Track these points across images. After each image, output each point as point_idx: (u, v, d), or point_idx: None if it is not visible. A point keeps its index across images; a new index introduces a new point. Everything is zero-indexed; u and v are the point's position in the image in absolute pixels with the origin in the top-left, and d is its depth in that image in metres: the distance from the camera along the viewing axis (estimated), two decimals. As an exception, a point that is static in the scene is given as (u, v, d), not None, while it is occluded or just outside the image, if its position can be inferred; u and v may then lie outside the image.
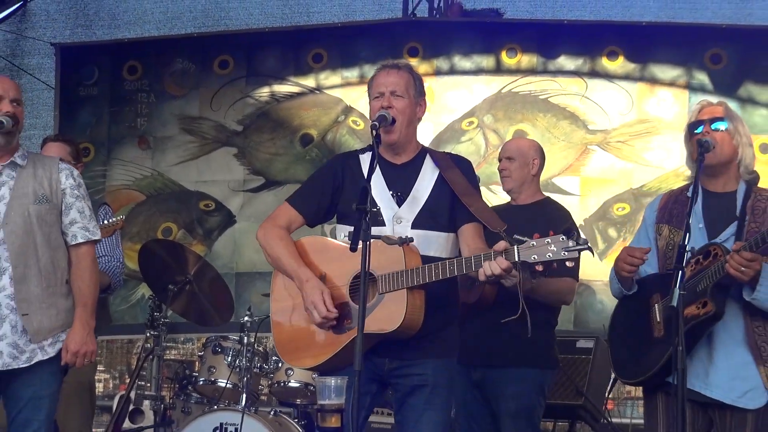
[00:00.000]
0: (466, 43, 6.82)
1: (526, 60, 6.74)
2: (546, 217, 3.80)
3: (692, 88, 6.57)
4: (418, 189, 3.12)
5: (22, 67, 7.31)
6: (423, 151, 3.20)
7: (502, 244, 2.75)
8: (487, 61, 6.79)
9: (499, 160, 3.99)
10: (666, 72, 6.58)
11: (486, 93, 6.75)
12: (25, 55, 7.37)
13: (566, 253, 2.70)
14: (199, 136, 7.06)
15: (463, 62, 6.80)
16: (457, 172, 3.16)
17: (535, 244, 2.74)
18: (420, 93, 3.16)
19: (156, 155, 7.13)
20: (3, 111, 3.19)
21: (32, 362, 3.24)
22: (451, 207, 3.10)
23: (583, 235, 3.10)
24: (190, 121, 7.09)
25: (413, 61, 6.60)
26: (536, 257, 2.70)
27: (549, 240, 2.69)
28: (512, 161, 3.84)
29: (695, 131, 3.06)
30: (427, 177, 3.16)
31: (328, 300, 2.90)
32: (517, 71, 6.76)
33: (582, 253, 2.92)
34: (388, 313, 2.81)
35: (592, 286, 6.05)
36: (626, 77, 6.60)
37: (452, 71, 6.79)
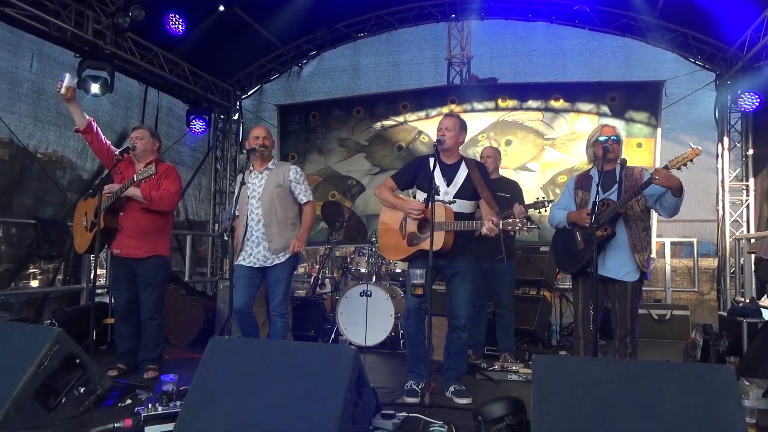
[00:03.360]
0: (479, 95, 8.11)
1: (511, 103, 7.98)
2: (508, 187, 4.86)
3: (600, 114, 7.70)
4: (457, 178, 3.79)
5: (261, 117, 9.05)
6: (461, 159, 3.88)
7: (494, 219, 3.49)
8: (490, 104, 8.08)
9: (481, 157, 4.95)
10: (585, 106, 7.75)
11: (490, 121, 8.03)
12: (262, 111, 9.11)
13: (525, 228, 3.40)
14: (347, 148, 8.63)
15: (477, 105, 8.11)
16: (477, 172, 3.80)
17: (510, 221, 3.43)
18: (462, 129, 3.84)
19: (326, 158, 8.71)
20: (259, 143, 4.17)
21: (272, 264, 4.10)
22: (473, 190, 3.76)
23: (535, 212, 4.43)
24: (342, 140, 8.65)
25: (453, 106, 8.21)
26: (510, 228, 3.41)
27: (518, 221, 3.41)
28: (489, 158, 4.92)
29: (599, 139, 3.61)
30: (462, 172, 3.81)
31: (417, 204, 3.75)
32: (506, 109, 7.99)
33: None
34: (435, 241, 3.48)
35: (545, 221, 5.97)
36: (564, 110, 7.81)
37: (473, 110, 8.11)
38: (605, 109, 7.73)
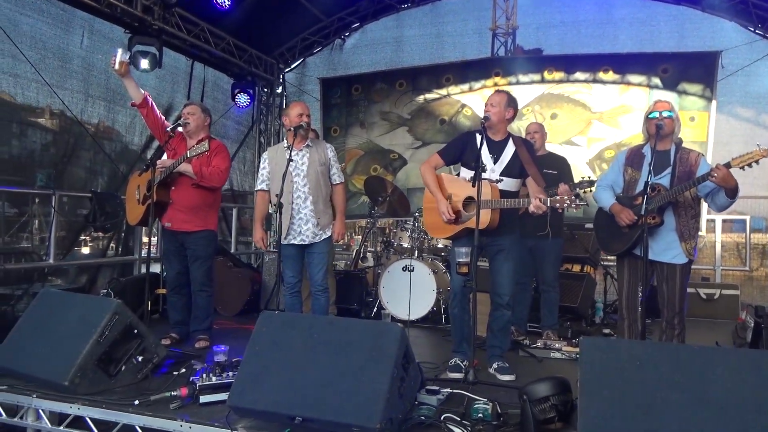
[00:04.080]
0: (524, 67, 7.94)
1: (557, 75, 7.80)
2: (556, 164, 4.81)
3: (651, 86, 7.41)
4: (504, 155, 3.79)
5: (304, 90, 9.12)
6: (509, 135, 3.87)
7: (541, 196, 3.51)
8: (536, 76, 7.89)
9: (527, 133, 4.94)
10: (635, 78, 7.47)
11: (535, 93, 7.85)
12: (305, 84, 9.13)
13: (573, 205, 3.40)
14: (389, 121, 8.62)
15: (523, 77, 7.95)
16: (524, 149, 3.80)
17: (558, 198, 3.44)
18: (509, 105, 3.79)
19: (368, 132, 8.74)
20: (305, 120, 4.21)
21: (321, 239, 4.26)
22: (520, 167, 3.76)
23: (582, 193, 4.32)
24: (384, 114, 8.65)
25: (497, 78, 8.07)
26: (558, 205, 3.44)
27: (566, 197, 3.41)
28: (537, 134, 4.91)
29: (650, 115, 3.52)
30: (509, 149, 3.81)
31: (450, 209, 3.76)
32: (552, 81, 7.80)
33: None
34: (481, 219, 3.50)
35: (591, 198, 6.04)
36: (613, 82, 7.56)
37: (518, 82, 7.96)
38: (657, 81, 7.45)
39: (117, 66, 4.24)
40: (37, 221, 6.45)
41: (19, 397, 3.14)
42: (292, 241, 4.24)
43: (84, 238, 6.71)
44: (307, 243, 4.23)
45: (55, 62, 5.96)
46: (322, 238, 4.23)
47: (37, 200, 6.14)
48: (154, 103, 4.50)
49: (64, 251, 5.89)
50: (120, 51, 4.27)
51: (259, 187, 4.36)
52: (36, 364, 3.26)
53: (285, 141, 4.33)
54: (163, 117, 4.58)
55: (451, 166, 4.19)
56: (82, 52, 6.28)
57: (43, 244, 6.30)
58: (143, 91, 4.45)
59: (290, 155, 4.19)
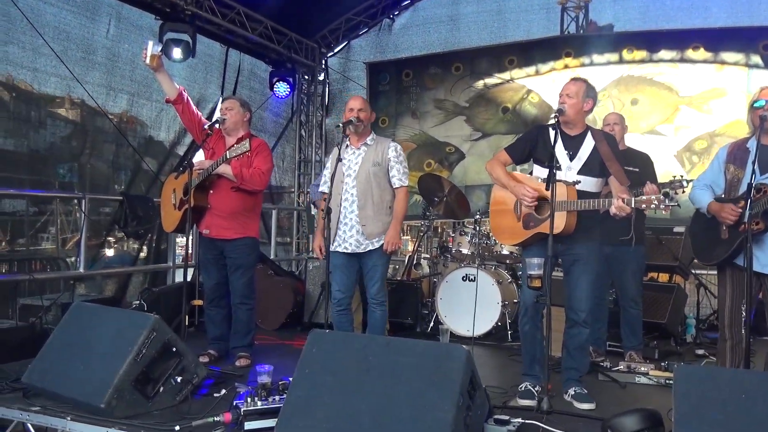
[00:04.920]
0: (599, 46, 7.85)
1: (638, 54, 7.65)
2: (637, 160, 4.71)
3: (750, 65, 7.17)
4: (582, 152, 3.77)
5: (349, 76, 9.27)
6: (587, 129, 3.83)
7: (625, 196, 3.48)
8: (613, 56, 7.76)
9: (606, 124, 4.86)
10: (731, 57, 7.26)
11: (613, 76, 7.74)
12: (349, 70, 9.29)
13: (662, 206, 3.32)
14: (444, 110, 8.69)
15: (598, 57, 7.86)
16: (605, 144, 3.75)
17: (645, 198, 3.40)
18: (587, 95, 3.75)
19: (421, 122, 8.81)
20: (354, 116, 4.24)
21: (367, 250, 4.27)
22: (600, 165, 3.71)
23: (673, 194, 4.23)
24: (439, 102, 8.71)
25: (568, 60, 8.02)
26: (644, 206, 3.43)
27: (653, 197, 3.36)
28: (617, 125, 4.82)
29: (754, 104, 3.49)
30: (587, 145, 3.78)
31: (530, 189, 3.74)
32: (632, 62, 7.66)
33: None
34: (555, 223, 3.47)
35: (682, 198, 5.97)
36: (704, 61, 7.38)
37: (592, 63, 7.87)
38: (757, 59, 7.23)
39: (148, 60, 4.36)
40: (59, 220, 6.72)
41: (52, 419, 3.26)
42: (337, 249, 4.30)
43: (108, 239, 6.92)
44: (350, 252, 4.29)
45: (77, 54, 6.20)
46: (370, 248, 4.27)
47: (58, 198, 6.36)
48: (189, 99, 4.62)
49: (90, 255, 6.12)
50: (151, 43, 4.38)
51: (320, 189, 4.47)
52: (70, 383, 3.39)
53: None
54: (200, 113, 4.70)
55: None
56: (108, 42, 6.52)
57: (66, 247, 6.56)
58: (178, 86, 4.58)
59: (339, 154, 4.26)
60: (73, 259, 6.13)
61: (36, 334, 4.67)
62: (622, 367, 4.48)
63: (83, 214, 5.32)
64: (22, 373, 3.64)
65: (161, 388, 3.47)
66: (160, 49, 4.45)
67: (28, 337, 4.62)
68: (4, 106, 5.84)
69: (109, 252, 7.14)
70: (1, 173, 5.89)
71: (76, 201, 5.54)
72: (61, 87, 6.04)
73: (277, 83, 8.62)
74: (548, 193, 3.48)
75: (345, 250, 4.31)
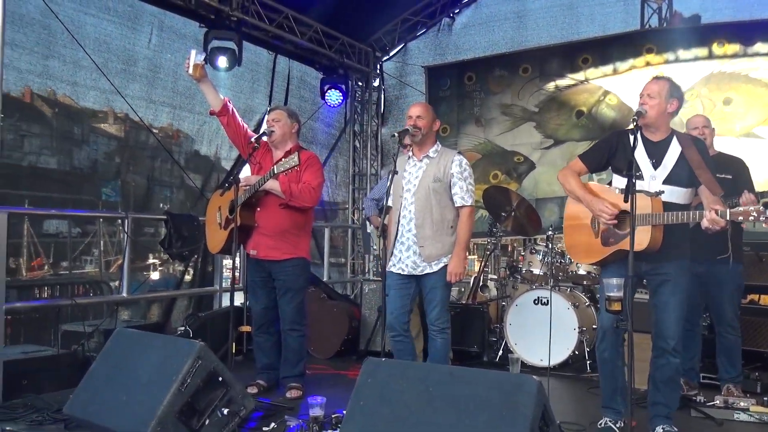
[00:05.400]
0: (685, 40, 7.63)
1: (731, 48, 7.43)
2: (729, 167, 4.63)
3: None
4: (667, 159, 3.72)
5: (406, 82, 9.36)
6: (672, 133, 3.78)
7: (718, 207, 3.40)
8: (701, 51, 7.56)
9: (693, 128, 4.75)
10: None
11: (702, 73, 7.55)
12: (407, 75, 9.38)
13: (762, 218, 3.26)
14: (512, 116, 8.68)
15: (684, 53, 7.65)
16: (694, 150, 3.71)
17: (741, 210, 3.32)
18: (671, 95, 3.71)
19: (486, 129, 8.82)
20: (412, 124, 4.32)
21: (423, 273, 4.30)
22: (689, 173, 3.65)
23: None
24: (505, 107, 8.71)
25: (649, 56, 7.83)
26: (741, 219, 3.34)
27: (752, 208, 3.28)
28: (706, 128, 4.74)
29: None
30: (673, 151, 3.73)
31: (609, 206, 3.67)
32: (724, 57, 7.47)
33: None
34: (638, 239, 3.42)
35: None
36: None
37: (677, 60, 7.66)
38: None
39: (191, 70, 4.50)
40: (102, 242, 6.99)
41: (95, 453, 3.39)
42: (392, 269, 4.34)
43: (153, 261, 7.12)
44: (405, 274, 4.32)
45: (118, 65, 6.47)
46: (427, 271, 4.29)
47: (100, 218, 6.60)
48: (235, 110, 4.74)
49: (133, 278, 6.31)
50: (194, 52, 4.53)
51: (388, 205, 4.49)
52: (112, 414, 3.52)
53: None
54: (246, 126, 4.82)
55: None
56: (150, 52, 6.79)
57: (110, 270, 6.79)
58: (223, 97, 4.70)
59: (395, 166, 4.32)
60: (116, 282, 6.30)
61: (78, 362, 4.89)
62: (718, 402, 4.38)
63: (126, 235, 5.48)
64: (63, 403, 3.78)
65: (207, 421, 3.54)
66: (203, 57, 4.58)
67: (70, 365, 4.80)
68: (47, 123, 6.13)
69: (154, 275, 7.32)
70: (44, 192, 6.14)
71: (119, 221, 5.71)
72: (100, 100, 6.33)
73: (328, 91, 8.76)
74: (628, 206, 3.42)
75: (401, 272, 4.34)
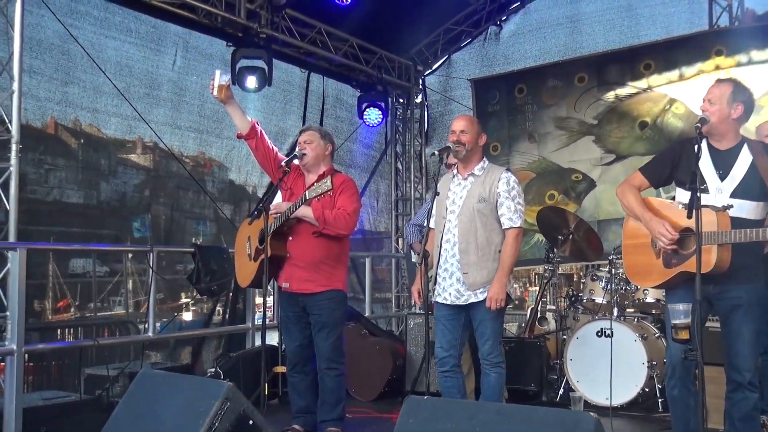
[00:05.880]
0: (759, 41, 7.54)
1: None
2: None
3: None
4: (736, 169, 3.67)
5: (451, 97, 9.47)
6: (742, 141, 3.73)
7: None
8: None
9: (761, 134, 4.78)
10: None
11: None
12: (452, 89, 9.48)
13: None
14: (568, 130, 8.69)
15: (758, 55, 7.53)
16: (766, 158, 3.64)
17: None
18: (736, 99, 3.67)
19: (540, 146, 8.82)
20: (455, 139, 4.31)
21: (468, 302, 4.30)
22: (761, 185, 3.59)
23: None
24: (561, 120, 8.72)
25: (719, 59, 7.77)
26: None
27: None
28: None
29: None
30: (743, 161, 3.68)
31: (669, 228, 3.63)
32: None
33: None
34: (702, 259, 3.34)
35: None
36: None
37: (750, 62, 7.58)
38: None
39: (216, 92, 4.60)
40: (131, 281, 7.10)
41: (118, 503, 3.43)
42: (437, 299, 4.35)
43: (186, 301, 7.17)
44: (449, 303, 4.32)
45: (141, 89, 6.70)
46: (472, 300, 4.29)
47: (130, 255, 6.75)
48: (263, 132, 4.82)
49: (163, 318, 6.44)
50: (218, 73, 4.62)
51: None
52: (136, 462, 3.56)
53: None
54: (275, 148, 4.89)
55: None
56: (174, 74, 7.03)
57: (139, 311, 6.92)
58: (250, 119, 4.79)
59: (437, 186, 4.33)
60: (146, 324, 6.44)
61: (102, 408, 4.97)
62: (804, 441, 4.17)
63: (151, 269, 5.60)
64: (85, 450, 3.85)
65: (237, 468, 3.55)
66: (228, 78, 4.69)
67: (92, 411, 4.89)
68: (72, 155, 6.35)
69: (187, 315, 7.43)
70: (71, 228, 6.32)
71: (148, 258, 5.85)
72: (122, 127, 6.56)
73: (367, 110, 8.86)
74: (692, 222, 3.37)
75: (445, 301, 4.35)
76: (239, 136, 4.83)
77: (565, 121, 8.79)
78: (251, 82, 6.95)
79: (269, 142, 4.84)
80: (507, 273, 4.30)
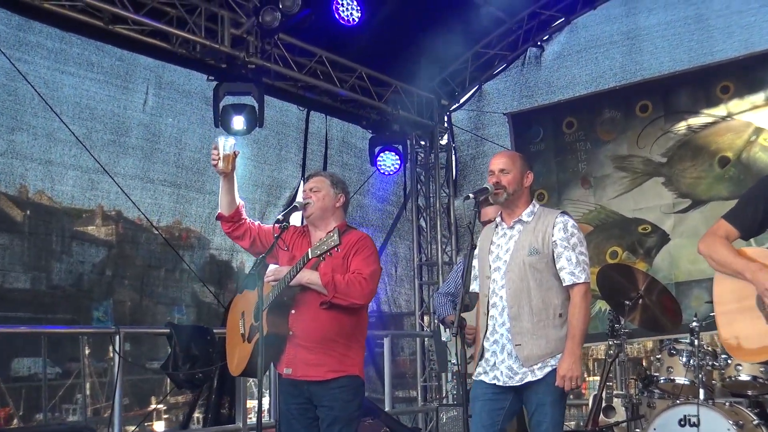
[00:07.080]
0: None
1: None
2: None
3: None
4: None
5: (484, 136, 9.42)
6: None
7: None
8: None
9: None
10: None
11: None
12: (485, 127, 9.46)
13: None
14: (631, 171, 8.73)
15: None
16: None
17: None
18: None
19: (597, 192, 8.85)
20: (493, 181, 4.24)
21: (523, 382, 4.18)
22: None
23: None
24: (621, 159, 8.76)
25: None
26: None
27: None
28: None
29: None
30: None
31: None
32: None
33: None
34: None
35: None
36: None
37: None
38: None
39: (221, 164, 4.49)
40: (88, 384, 6.99)
41: None
42: (482, 377, 4.27)
43: (157, 407, 7.13)
44: (500, 384, 4.21)
45: (105, 136, 6.74)
46: (528, 379, 4.17)
47: (88, 351, 6.66)
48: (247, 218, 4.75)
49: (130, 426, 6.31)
50: (222, 139, 4.51)
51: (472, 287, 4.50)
52: None
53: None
54: (257, 222, 4.80)
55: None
56: (145, 116, 7.08)
57: (100, 417, 6.77)
58: (240, 200, 4.72)
59: (472, 239, 4.27)
60: (106, 432, 6.33)
61: None
62: None
63: (118, 355, 5.52)
64: None
65: None
66: (234, 144, 4.55)
67: None
68: (18, 230, 6.34)
69: (159, 425, 7.38)
70: (17, 313, 6.31)
71: (110, 355, 5.73)
72: (81, 182, 6.54)
73: (381, 154, 8.90)
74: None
75: (496, 381, 4.23)
76: (219, 217, 4.73)
77: (627, 161, 8.82)
78: (238, 123, 6.94)
79: (248, 219, 4.76)
80: (579, 342, 4.15)
